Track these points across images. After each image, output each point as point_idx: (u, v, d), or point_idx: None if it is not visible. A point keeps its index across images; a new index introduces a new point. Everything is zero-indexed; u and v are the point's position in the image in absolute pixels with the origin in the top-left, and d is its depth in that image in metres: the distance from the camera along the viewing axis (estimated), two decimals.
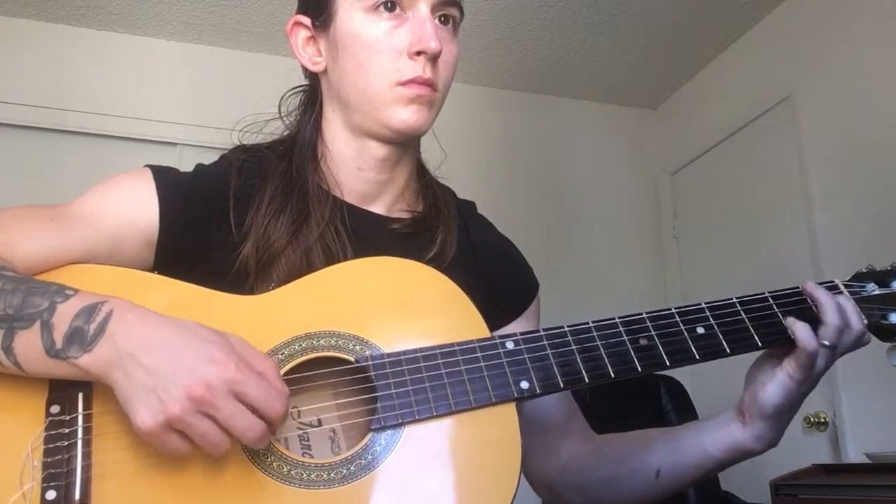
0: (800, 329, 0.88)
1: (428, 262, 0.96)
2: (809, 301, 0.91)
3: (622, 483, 1.00)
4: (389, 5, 0.94)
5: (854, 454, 2.52)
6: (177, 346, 0.72)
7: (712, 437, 0.94)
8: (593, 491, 1.03)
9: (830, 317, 0.88)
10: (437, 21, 0.96)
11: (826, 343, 0.87)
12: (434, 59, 0.95)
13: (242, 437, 0.71)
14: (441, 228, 1.02)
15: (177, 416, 0.69)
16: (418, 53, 0.94)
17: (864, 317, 0.91)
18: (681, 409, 2.76)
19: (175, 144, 3.05)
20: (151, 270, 0.93)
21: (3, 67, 2.91)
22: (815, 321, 0.89)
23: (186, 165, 1.00)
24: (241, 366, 0.72)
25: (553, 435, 1.06)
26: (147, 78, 3.10)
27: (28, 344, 0.74)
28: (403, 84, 0.94)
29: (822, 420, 2.68)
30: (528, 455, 1.04)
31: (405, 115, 0.95)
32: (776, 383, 0.89)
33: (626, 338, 0.87)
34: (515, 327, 1.03)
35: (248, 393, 0.71)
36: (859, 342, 0.91)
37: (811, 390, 0.90)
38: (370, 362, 0.82)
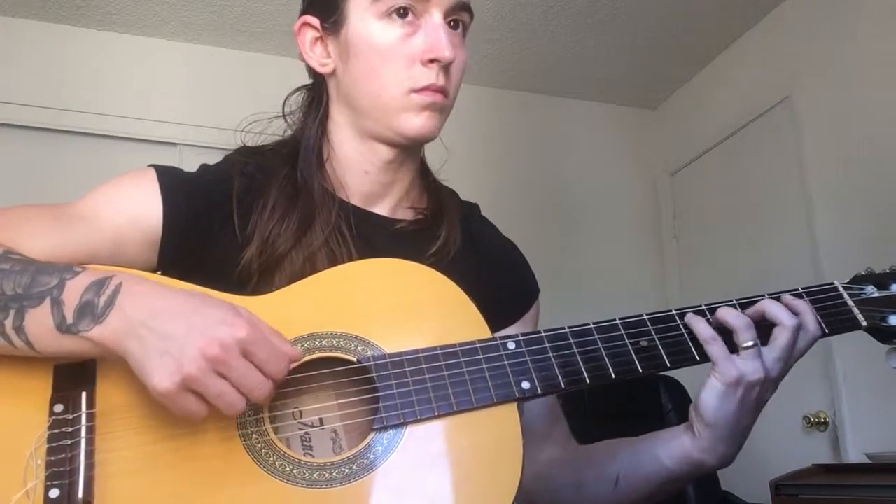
0: (695, 323, 0.87)
1: (430, 257, 0.97)
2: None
3: (586, 489, 0.98)
4: (402, 11, 0.94)
5: (854, 454, 2.52)
6: (188, 311, 0.73)
7: (666, 446, 0.91)
8: (562, 497, 1.01)
9: (734, 321, 0.86)
10: (448, 26, 0.96)
11: (744, 345, 0.85)
12: (447, 66, 0.95)
13: (252, 395, 0.72)
14: (444, 223, 1.02)
15: (193, 375, 0.70)
16: (431, 61, 0.94)
17: (791, 315, 0.88)
18: (681, 409, 2.76)
19: (175, 144, 3.05)
20: (154, 271, 0.93)
21: (3, 67, 2.91)
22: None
23: (187, 165, 1.00)
24: (251, 327, 0.73)
25: (532, 440, 1.02)
26: (147, 78, 3.10)
27: (39, 322, 0.75)
28: (417, 91, 0.94)
29: (822, 420, 2.68)
30: None
31: (417, 122, 0.96)
32: (706, 389, 0.86)
33: (626, 339, 0.87)
34: (512, 332, 1.03)
35: (257, 353, 0.73)
36: (792, 336, 0.87)
37: (756, 403, 0.86)
38: (372, 362, 0.82)
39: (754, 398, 0.86)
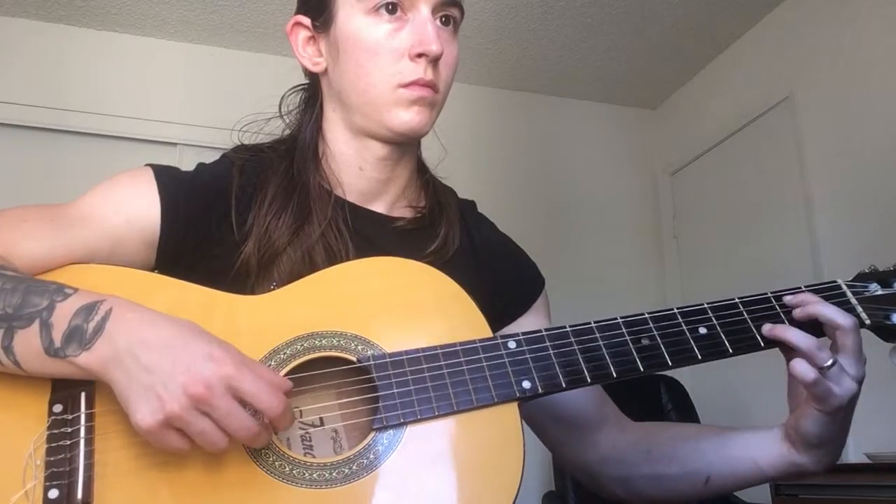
0: (795, 366, 0.84)
1: (429, 256, 0.97)
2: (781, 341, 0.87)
3: (669, 483, 0.99)
4: (390, 7, 0.94)
5: (854, 454, 2.52)
6: (176, 345, 0.72)
7: (766, 455, 0.92)
8: (637, 485, 1.02)
9: (801, 343, 0.84)
10: (437, 22, 0.96)
11: (825, 365, 0.83)
12: (435, 61, 0.95)
13: (236, 436, 0.71)
14: (443, 222, 1.02)
15: (175, 414, 0.69)
16: (419, 56, 0.93)
17: (847, 314, 0.87)
18: (681, 409, 2.76)
19: (175, 144, 3.05)
20: (153, 270, 0.93)
21: (3, 67, 2.91)
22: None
23: (186, 165, 1.00)
24: (238, 364, 0.72)
25: (588, 426, 1.05)
26: (147, 78, 3.10)
27: (27, 343, 0.74)
28: (405, 86, 0.94)
29: None
30: (564, 446, 1.06)
31: (406, 117, 0.95)
32: (809, 419, 0.86)
33: (628, 337, 0.87)
34: (525, 322, 1.04)
35: (245, 390, 0.71)
36: (857, 337, 0.86)
37: (855, 404, 0.86)
38: (372, 362, 0.82)
39: (852, 410, 0.86)
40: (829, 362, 0.83)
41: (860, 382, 0.86)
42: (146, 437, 0.71)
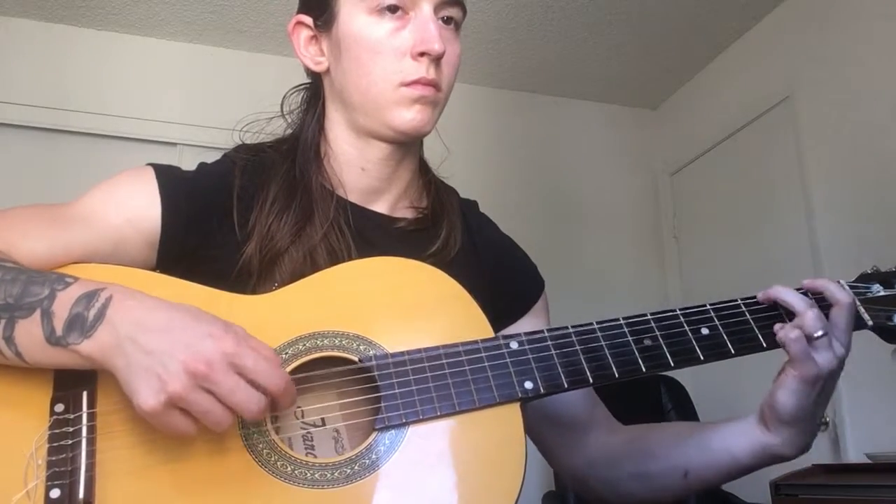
0: (780, 329, 0.86)
1: (430, 257, 0.97)
2: (782, 306, 0.89)
3: (652, 481, 1.00)
4: (392, 7, 0.94)
5: (854, 454, 2.52)
6: (175, 326, 0.72)
7: (740, 443, 0.93)
8: (623, 485, 1.03)
9: (799, 306, 0.86)
10: (439, 21, 0.96)
11: (815, 335, 0.85)
12: (437, 60, 0.95)
13: (244, 412, 0.71)
14: (445, 223, 1.02)
15: (177, 393, 0.69)
16: (421, 54, 0.94)
17: (844, 287, 0.91)
18: (681, 409, 2.77)
19: (175, 144, 3.05)
20: (154, 270, 0.92)
21: (3, 67, 2.91)
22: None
23: (186, 165, 1.00)
24: (239, 341, 0.72)
25: (578, 428, 1.06)
26: (147, 78, 3.10)
27: (29, 333, 0.74)
28: (407, 85, 0.94)
29: (823, 420, 2.67)
30: (555, 449, 1.07)
31: (409, 116, 0.95)
32: (785, 390, 0.86)
33: (630, 338, 0.87)
34: (524, 324, 1.04)
35: (247, 366, 0.71)
36: (851, 314, 0.89)
37: (831, 389, 0.88)
38: (374, 362, 0.82)
39: (830, 387, 0.88)
40: (820, 332, 0.85)
41: (842, 361, 0.87)
42: (151, 421, 0.71)
